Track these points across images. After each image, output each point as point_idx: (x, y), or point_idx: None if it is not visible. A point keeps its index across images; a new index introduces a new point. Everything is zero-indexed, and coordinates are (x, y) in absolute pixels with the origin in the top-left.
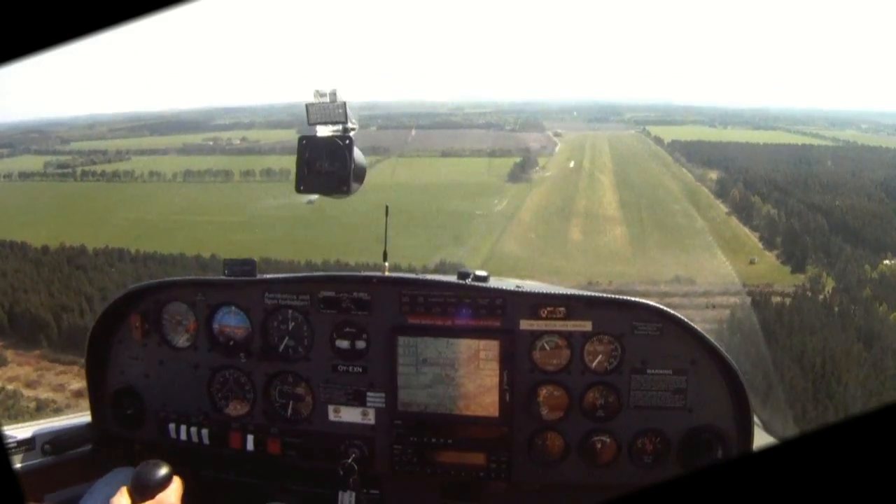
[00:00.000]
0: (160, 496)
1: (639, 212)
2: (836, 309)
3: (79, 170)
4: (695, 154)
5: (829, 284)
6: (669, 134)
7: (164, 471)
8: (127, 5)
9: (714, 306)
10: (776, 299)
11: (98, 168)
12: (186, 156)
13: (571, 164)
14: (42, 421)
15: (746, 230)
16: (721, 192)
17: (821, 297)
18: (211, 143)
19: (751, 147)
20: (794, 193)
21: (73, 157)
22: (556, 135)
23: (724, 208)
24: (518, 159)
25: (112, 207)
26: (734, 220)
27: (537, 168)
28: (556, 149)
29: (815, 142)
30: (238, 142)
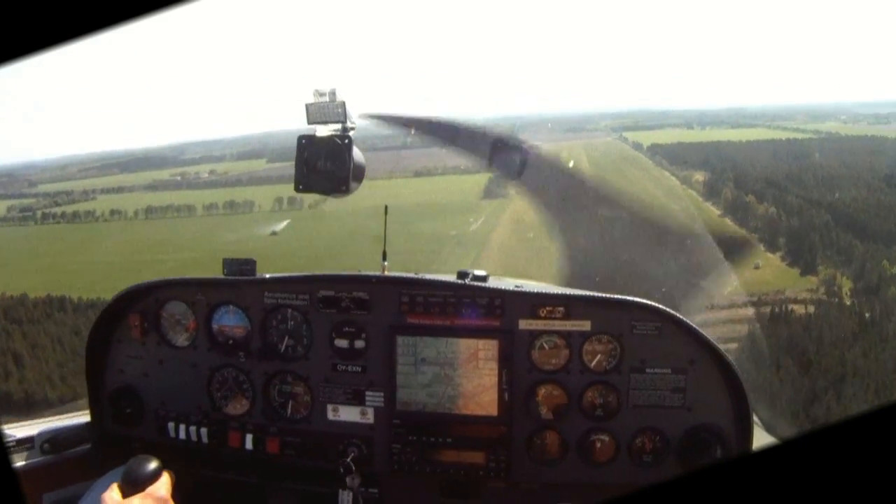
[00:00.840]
0: (150, 489)
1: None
2: (868, 315)
3: (39, 212)
4: (677, 156)
5: (846, 285)
6: (648, 138)
7: (153, 465)
8: (107, 11)
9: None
10: (796, 309)
11: (60, 210)
12: (154, 192)
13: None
14: (41, 420)
15: (744, 232)
16: (710, 193)
17: (848, 302)
18: (178, 177)
19: (734, 145)
20: (791, 189)
21: (38, 199)
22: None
23: (715, 210)
24: (492, 175)
25: (66, 251)
26: (729, 223)
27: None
28: None
29: (799, 136)
30: (206, 175)
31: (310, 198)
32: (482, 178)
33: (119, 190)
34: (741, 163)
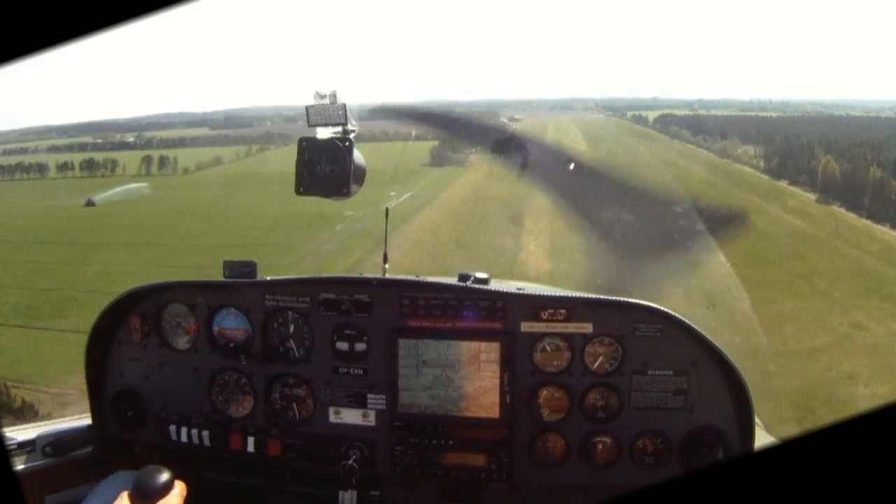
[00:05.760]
0: (161, 502)
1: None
2: None
3: None
4: (702, 127)
5: None
6: (651, 115)
7: (165, 476)
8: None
9: None
10: None
11: None
12: (53, 154)
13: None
14: (43, 423)
15: None
16: (779, 170)
17: None
18: (100, 140)
19: (772, 119)
20: None
21: None
22: (513, 119)
23: (805, 194)
24: (442, 139)
25: None
26: (848, 214)
27: (478, 148)
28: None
29: (841, 113)
30: (131, 139)
31: (187, 160)
32: (433, 143)
33: (22, 152)
34: (808, 131)
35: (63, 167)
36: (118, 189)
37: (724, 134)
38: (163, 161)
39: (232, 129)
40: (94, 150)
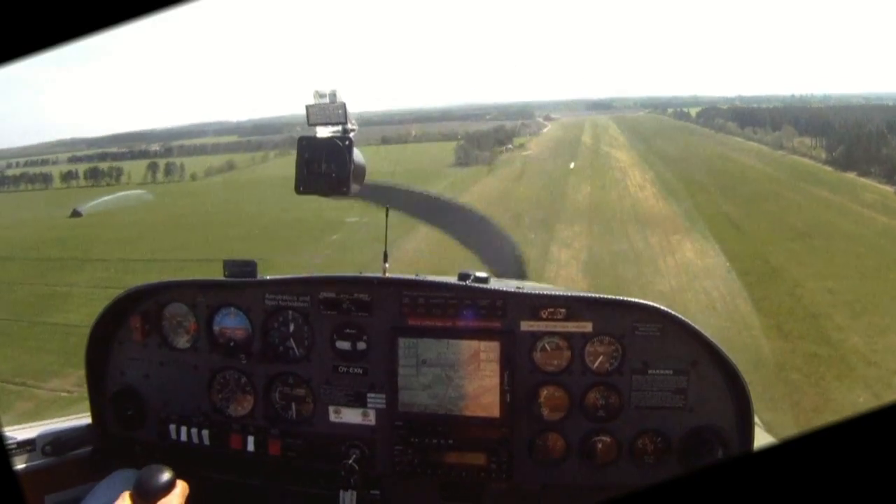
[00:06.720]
0: (163, 501)
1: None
2: None
3: None
4: (750, 119)
5: None
6: (693, 109)
7: (167, 475)
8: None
9: None
10: None
11: None
12: (73, 164)
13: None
14: (43, 422)
15: None
16: (846, 161)
17: None
18: (125, 150)
19: (826, 109)
20: None
21: None
22: (548, 119)
23: (881, 186)
24: (462, 142)
25: None
26: None
27: (509, 146)
28: (544, 130)
29: (889, 102)
30: (156, 148)
31: (195, 166)
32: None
33: (43, 163)
34: (868, 120)
35: (67, 177)
36: (107, 198)
37: (776, 125)
38: (169, 168)
39: (259, 136)
40: (116, 159)
